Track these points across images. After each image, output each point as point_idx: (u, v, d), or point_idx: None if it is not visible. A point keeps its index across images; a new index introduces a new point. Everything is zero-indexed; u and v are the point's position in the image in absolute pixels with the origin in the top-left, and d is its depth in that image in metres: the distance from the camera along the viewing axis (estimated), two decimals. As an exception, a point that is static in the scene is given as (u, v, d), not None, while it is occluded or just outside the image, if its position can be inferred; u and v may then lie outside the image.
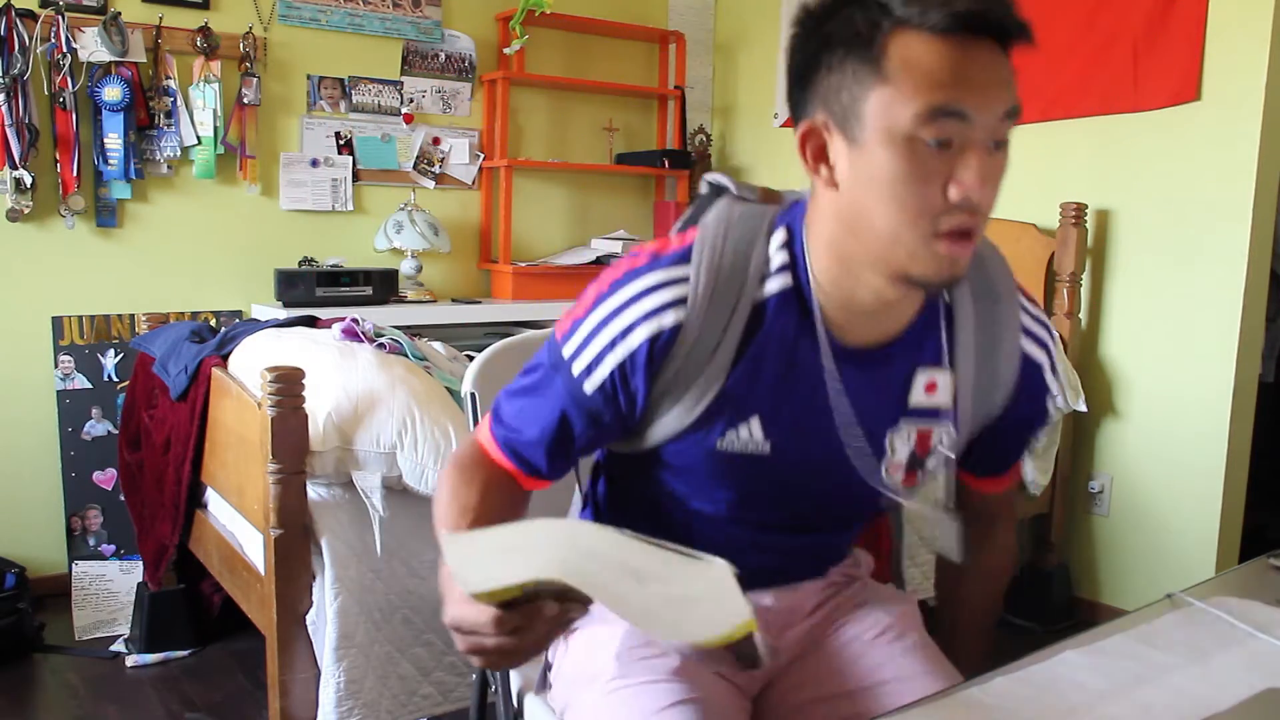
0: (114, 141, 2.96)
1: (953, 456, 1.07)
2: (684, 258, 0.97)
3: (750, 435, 0.99)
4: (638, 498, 1.15)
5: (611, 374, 0.97)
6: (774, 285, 0.97)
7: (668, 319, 0.95)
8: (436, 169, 3.64)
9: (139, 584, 2.64)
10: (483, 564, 0.76)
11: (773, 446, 1.00)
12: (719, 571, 0.73)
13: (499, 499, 1.06)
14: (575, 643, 1.19)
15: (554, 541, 0.77)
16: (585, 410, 1.00)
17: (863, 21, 0.86)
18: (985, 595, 1.25)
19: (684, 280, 0.96)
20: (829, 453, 1.02)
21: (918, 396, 1.02)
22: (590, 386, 0.98)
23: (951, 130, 0.84)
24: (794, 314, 0.97)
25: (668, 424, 1.00)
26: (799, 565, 1.18)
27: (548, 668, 1.25)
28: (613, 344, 0.96)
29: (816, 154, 0.92)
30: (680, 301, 0.95)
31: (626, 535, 0.76)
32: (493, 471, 1.08)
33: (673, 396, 0.98)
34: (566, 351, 1.00)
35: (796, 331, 0.98)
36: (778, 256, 0.97)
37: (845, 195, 0.90)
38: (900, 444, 1.03)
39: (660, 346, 0.95)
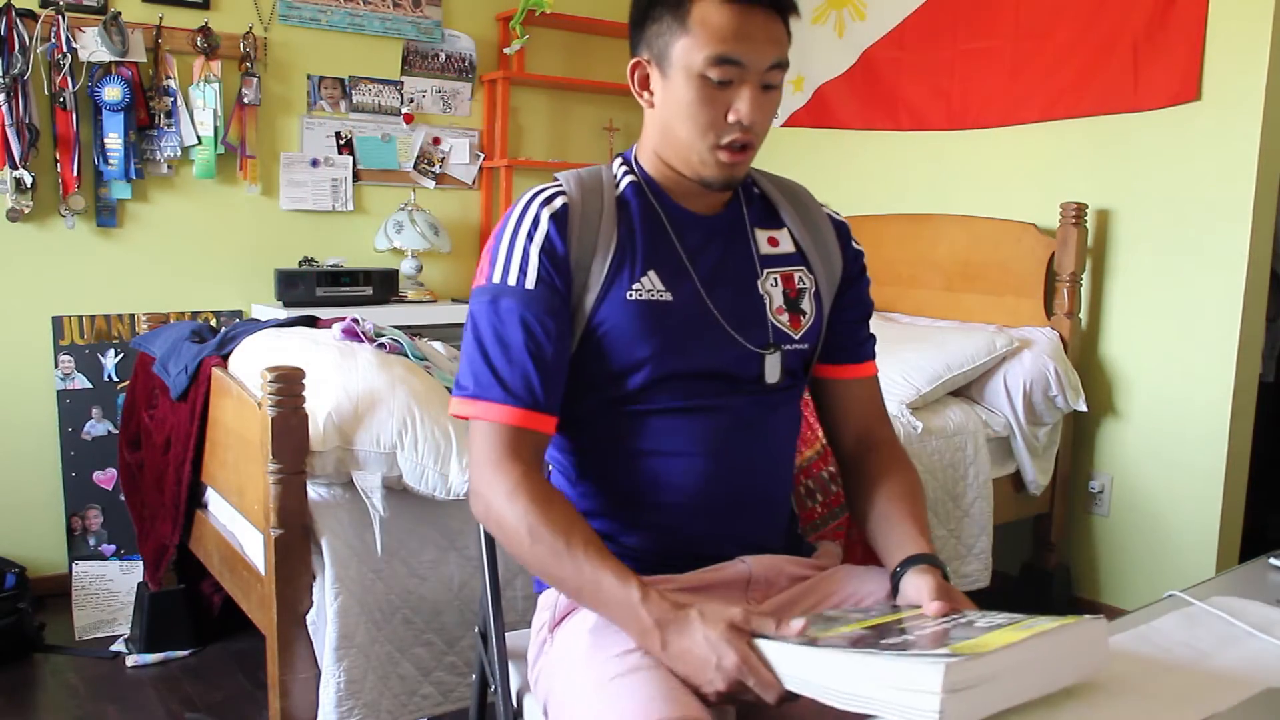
0: (114, 141, 2.96)
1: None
2: (552, 182, 1.26)
3: (653, 285, 1.22)
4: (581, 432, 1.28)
5: (540, 260, 1.19)
6: (625, 183, 1.28)
7: (558, 202, 1.22)
8: (437, 169, 3.64)
9: (139, 584, 2.64)
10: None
11: (673, 294, 1.23)
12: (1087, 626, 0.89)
13: (541, 482, 1.15)
14: (558, 636, 1.21)
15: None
16: (538, 310, 1.17)
17: None
18: (909, 514, 1.27)
19: (558, 184, 1.25)
20: (727, 297, 1.25)
21: (765, 248, 1.30)
22: (531, 281, 1.18)
23: (731, 73, 1.16)
24: (646, 196, 1.27)
25: (593, 282, 1.21)
26: (742, 465, 1.26)
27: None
28: (530, 237, 1.19)
29: (642, 82, 1.25)
30: (561, 191, 1.23)
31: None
32: (514, 448, 1.15)
33: (585, 264, 1.21)
34: (496, 278, 1.19)
35: (653, 206, 1.26)
36: (620, 170, 1.30)
37: (660, 113, 1.23)
38: (771, 288, 1.28)
39: (562, 220, 1.20)
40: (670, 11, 1.17)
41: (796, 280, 1.30)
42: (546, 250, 1.19)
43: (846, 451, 1.37)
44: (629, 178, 1.28)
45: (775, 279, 1.29)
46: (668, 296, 1.22)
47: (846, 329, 1.36)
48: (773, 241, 1.31)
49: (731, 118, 1.16)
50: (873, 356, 1.39)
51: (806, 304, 1.30)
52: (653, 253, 1.24)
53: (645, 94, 1.24)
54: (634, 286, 1.21)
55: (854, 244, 1.38)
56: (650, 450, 1.23)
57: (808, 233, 1.33)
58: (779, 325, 1.27)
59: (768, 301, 1.27)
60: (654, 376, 1.22)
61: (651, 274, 1.22)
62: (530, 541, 1.11)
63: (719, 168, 1.20)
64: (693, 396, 1.23)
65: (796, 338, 1.28)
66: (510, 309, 1.17)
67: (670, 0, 1.18)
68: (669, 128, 1.21)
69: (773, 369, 1.26)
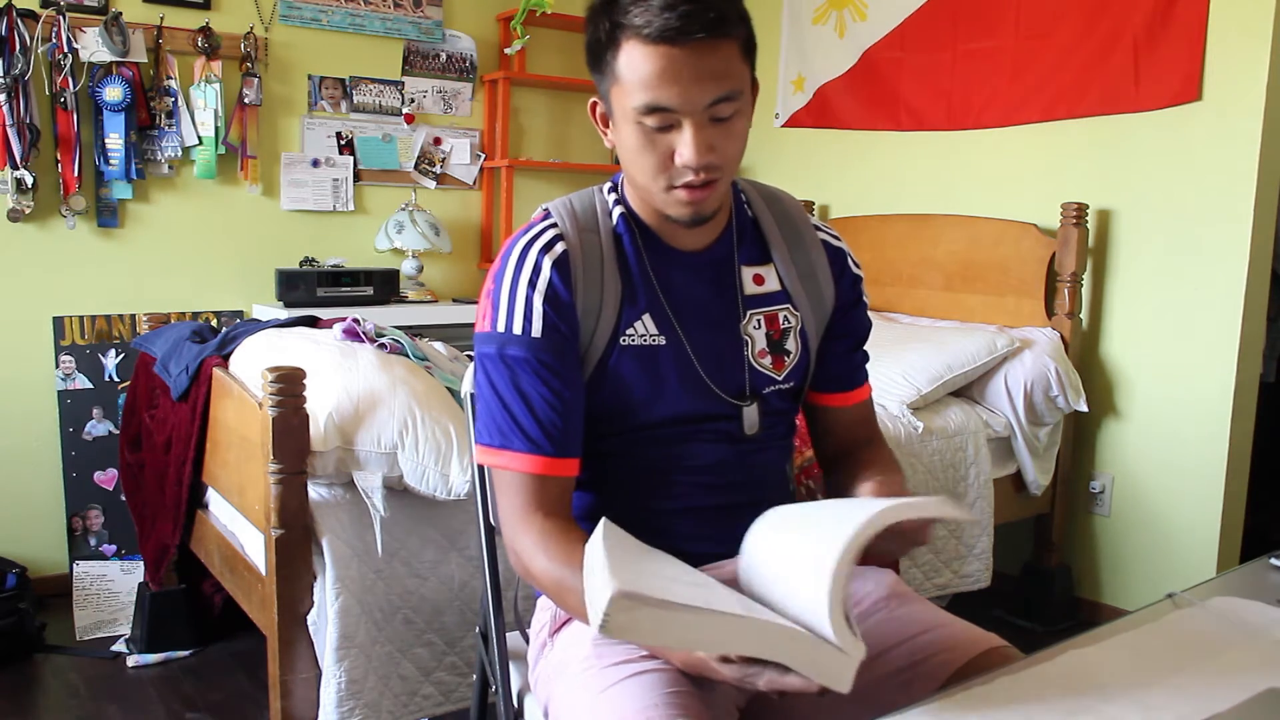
0: (115, 141, 2.96)
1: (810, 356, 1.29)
2: (544, 218, 1.22)
3: (646, 329, 1.21)
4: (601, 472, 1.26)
5: (544, 309, 1.16)
6: (616, 215, 1.23)
7: (558, 247, 1.18)
8: (437, 169, 3.64)
9: (140, 584, 2.64)
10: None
11: (666, 338, 1.21)
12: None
13: (563, 531, 1.14)
14: (558, 640, 1.22)
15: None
16: (547, 357, 1.15)
17: (606, 29, 1.10)
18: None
19: (554, 225, 1.20)
20: (707, 341, 1.23)
21: (750, 288, 1.26)
22: (537, 329, 1.15)
23: (666, 118, 1.08)
24: (635, 232, 1.23)
25: (602, 329, 1.19)
26: (739, 482, 1.26)
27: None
28: (532, 285, 1.16)
29: (603, 121, 1.19)
30: (560, 236, 1.19)
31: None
32: (539, 498, 1.15)
33: (591, 311, 1.18)
34: (501, 326, 1.16)
35: (642, 244, 1.23)
36: (609, 198, 1.24)
37: (620, 154, 1.17)
38: (754, 331, 1.25)
39: (564, 268, 1.17)
40: (604, 55, 1.11)
41: (781, 320, 1.26)
42: (550, 298, 1.16)
43: (831, 459, 1.37)
44: (619, 209, 1.23)
45: (759, 320, 1.25)
46: (660, 341, 1.20)
47: (838, 359, 1.33)
48: (758, 280, 1.27)
49: (677, 161, 1.10)
50: (865, 380, 1.36)
51: (791, 343, 1.27)
52: (646, 296, 1.21)
53: (607, 134, 1.20)
54: (628, 331, 1.20)
55: (852, 268, 1.32)
56: (643, 468, 1.24)
57: (796, 266, 1.28)
58: (760, 368, 1.25)
59: (749, 345, 1.24)
60: (649, 420, 1.21)
61: (646, 318, 1.21)
62: (559, 593, 1.11)
63: (680, 207, 1.14)
64: (684, 424, 1.23)
65: (780, 379, 1.26)
66: (519, 358, 1.15)
67: (602, 44, 1.11)
68: (628, 169, 1.17)
69: (750, 420, 1.24)
